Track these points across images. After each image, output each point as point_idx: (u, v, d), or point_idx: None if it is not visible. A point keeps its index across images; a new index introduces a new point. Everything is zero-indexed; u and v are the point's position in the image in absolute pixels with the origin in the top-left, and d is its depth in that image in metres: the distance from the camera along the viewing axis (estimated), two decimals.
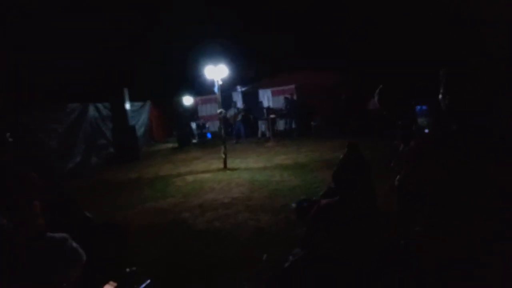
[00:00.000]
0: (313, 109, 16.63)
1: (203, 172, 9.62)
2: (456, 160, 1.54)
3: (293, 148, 12.43)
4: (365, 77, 15.79)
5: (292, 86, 17.46)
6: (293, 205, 5.29)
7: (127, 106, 12.72)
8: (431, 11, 16.24)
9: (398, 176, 1.93)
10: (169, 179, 9.03)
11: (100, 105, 13.07)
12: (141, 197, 7.52)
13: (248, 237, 4.86)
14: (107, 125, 13.24)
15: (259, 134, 16.88)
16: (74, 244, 2.60)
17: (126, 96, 12.67)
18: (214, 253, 4.47)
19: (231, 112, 16.16)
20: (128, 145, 12.41)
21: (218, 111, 10.36)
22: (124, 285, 3.00)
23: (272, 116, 16.23)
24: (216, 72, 9.80)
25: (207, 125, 17.37)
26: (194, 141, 16.48)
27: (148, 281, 3.27)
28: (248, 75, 20.34)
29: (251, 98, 18.52)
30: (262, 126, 16.95)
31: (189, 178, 9.00)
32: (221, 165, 9.86)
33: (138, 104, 16.82)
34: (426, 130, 3.28)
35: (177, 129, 16.58)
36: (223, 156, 9.86)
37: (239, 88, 19.39)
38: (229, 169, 9.57)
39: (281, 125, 17.85)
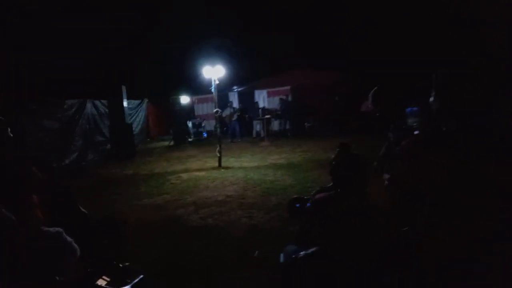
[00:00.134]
0: (308, 110, 16.76)
1: (198, 170, 9.69)
2: (456, 160, 1.54)
3: (287, 148, 12.53)
4: (358, 78, 15.89)
5: (287, 87, 17.64)
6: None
7: (125, 103, 12.78)
8: (431, 11, 16.24)
9: (388, 176, 1.92)
10: (165, 177, 9.10)
11: (97, 102, 13.11)
12: (137, 194, 7.60)
13: (241, 235, 4.95)
14: (104, 122, 13.29)
15: (254, 134, 17.00)
16: (68, 239, 2.65)
17: (124, 94, 12.74)
18: (208, 250, 4.58)
19: (227, 111, 16.23)
20: (124, 142, 12.47)
21: (215, 110, 10.41)
22: (117, 280, 3.03)
23: (267, 116, 16.38)
24: (213, 72, 9.88)
25: (203, 124, 17.41)
26: (190, 139, 16.54)
27: (141, 276, 3.31)
28: (245, 75, 20.38)
29: (247, 98, 18.64)
30: (257, 126, 17.07)
31: (184, 175, 9.06)
32: (216, 164, 9.94)
33: (135, 102, 16.86)
34: (416, 132, 3.34)
35: (174, 128, 16.64)
36: (218, 154, 9.94)
37: (235, 88, 19.45)
38: (223, 168, 9.65)
39: (275, 125, 18.02)
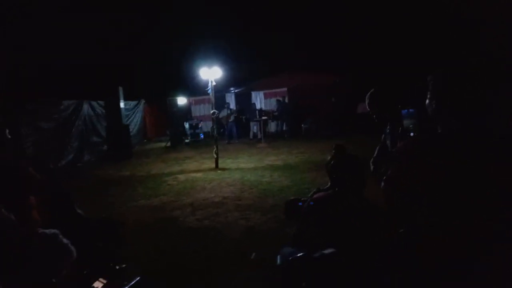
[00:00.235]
0: (304, 111, 16.81)
1: (194, 171, 9.69)
2: (456, 160, 1.54)
3: (284, 149, 12.55)
4: (355, 80, 15.96)
5: (284, 89, 17.68)
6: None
7: (122, 104, 12.77)
8: (429, 11, 16.26)
9: (384, 177, 1.92)
10: (161, 178, 9.09)
11: (94, 103, 13.08)
12: (133, 195, 7.59)
13: (238, 236, 4.96)
14: (101, 123, 13.27)
15: (251, 135, 17.01)
16: (65, 240, 2.64)
17: (121, 95, 12.72)
18: (205, 251, 4.58)
19: (224, 113, 16.23)
20: (121, 143, 12.45)
21: (211, 111, 10.42)
22: (114, 282, 3.03)
23: (264, 117, 16.38)
24: (210, 73, 9.89)
25: (200, 125, 17.40)
26: (187, 140, 16.52)
27: (138, 278, 3.31)
28: (242, 76, 20.41)
29: (244, 100, 18.67)
30: (254, 127, 17.09)
31: (181, 177, 9.06)
32: (213, 165, 9.94)
33: (132, 103, 16.84)
34: (412, 134, 3.36)
35: (170, 129, 16.62)
36: (214, 156, 9.94)
37: (232, 90, 19.47)
38: (220, 169, 9.65)
39: (272, 126, 18.05)
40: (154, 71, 21.82)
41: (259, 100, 18.60)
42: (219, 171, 9.47)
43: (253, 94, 18.85)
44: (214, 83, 9.99)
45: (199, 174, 9.25)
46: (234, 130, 16.16)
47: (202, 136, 17.31)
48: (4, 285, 1.94)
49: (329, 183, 3.09)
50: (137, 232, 5.28)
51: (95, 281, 2.89)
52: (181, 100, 18.01)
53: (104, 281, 2.92)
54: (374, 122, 3.59)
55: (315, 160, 9.78)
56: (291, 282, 2.58)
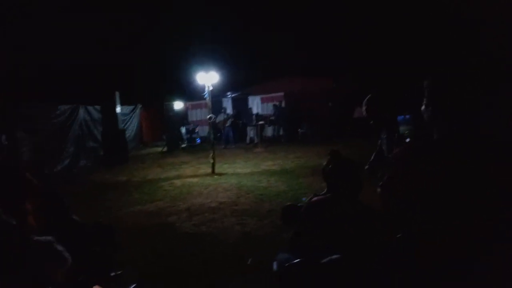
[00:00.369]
0: (301, 116, 16.85)
1: (191, 176, 9.67)
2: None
3: (281, 154, 12.55)
4: (352, 84, 16.01)
5: (281, 94, 17.69)
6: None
7: (118, 109, 12.74)
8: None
9: (381, 182, 1.93)
10: (158, 183, 9.06)
11: (90, 108, 13.05)
12: (130, 201, 7.56)
13: (235, 241, 4.94)
14: (97, 128, 13.24)
15: (248, 140, 17.01)
16: (59, 247, 2.61)
17: (117, 100, 12.69)
18: (200, 255, 4.57)
19: (221, 117, 16.23)
20: (117, 148, 12.41)
21: (208, 116, 10.41)
22: None
23: (260, 122, 16.39)
24: (207, 78, 9.90)
25: (196, 130, 17.39)
26: (183, 145, 16.50)
27: (135, 284, 3.28)
28: (239, 81, 20.46)
29: (240, 104, 18.68)
30: (250, 132, 17.09)
31: (177, 182, 9.03)
32: (209, 170, 9.92)
33: (129, 107, 16.82)
34: (408, 139, 3.38)
35: (167, 133, 16.59)
36: (211, 161, 9.92)
37: (229, 94, 19.49)
38: (217, 174, 9.64)
39: (269, 131, 18.05)
40: (151, 75, 21.82)
41: (255, 104, 18.62)
42: (215, 176, 9.45)
43: (250, 98, 18.88)
44: (211, 88, 10.00)
45: (195, 179, 9.22)
46: (231, 134, 16.16)
47: (198, 141, 17.29)
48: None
49: (325, 189, 3.09)
50: (134, 237, 5.26)
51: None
52: (178, 105, 18.03)
53: None
54: (371, 127, 3.61)
55: (312, 165, 9.78)
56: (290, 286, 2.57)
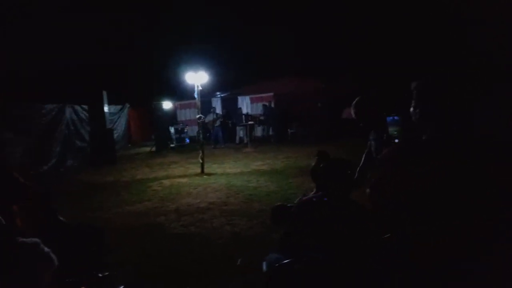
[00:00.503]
0: (291, 116, 16.89)
1: (180, 176, 9.61)
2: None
3: (270, 154, 12.56)
4: (341, 85, 16.08)
5: (271, 94, 17.71)
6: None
7: (106, 109, 12.60)
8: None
9: (370, 184, 1.93)
10: (146, 183, 8.99)
11: (78, 107, 12.90)
12: (118, 201, 7.49)
13: (224, 242, 4.93)
14: (84, 127, 13.09)
15: (237, 140, 17.00)
16: (46, 249, 2.58)
17: (105, 99, 12.55)
18: (189, 255, 4.53)
19: (210, 117, 16.18)
20: (105, 148, 12.28)
21: (197, 116, 10.37)
22: None
23: (250, 122, 16.38)
24: (196, 78, 9.86)
25: (185, 130, 17.31)
26: (172, 145, 16.40)
27: (122, 286, 3.26)
28: (228, 81, 20.42)
29: (230, 104, 18.63)
30: (240, 132, 17.07)
31: (166, 182, 8.97)
32: (199, 170, 9.88)
33: (117, 107, 16.65)
34: (396, 140, 3.40)
35: (156, 133, 16.47)
36: (200, 161, 9.89)
37: (218, 94, 19.44)
38: (206, 174, 9.60)
39: (259, 131, 18.08)
40: (139, 75, 21.65)
41: (245, 104, 18.61)
42: (205, 176, 9.41)
43: (240, 98, 18.86)
44: (200, 88, 9.96)
45: (184, 180, 9.18)
46: (220, 134, 16.12)
47: (187, 141, 17.20)
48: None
49: (314, 189, 3.10)
50: (122, 238, 5.20)
51: None
52: (167, 104, 17.92)
53: None
54: (360, 128, 3.62)
55: (302, 165, 9.80)
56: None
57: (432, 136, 1.66)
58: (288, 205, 3.44)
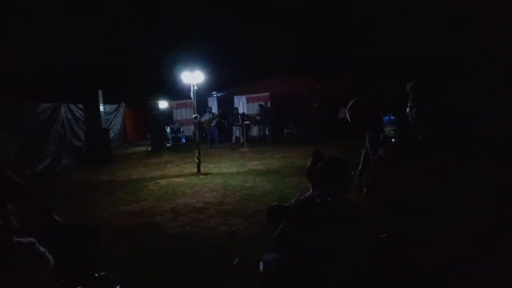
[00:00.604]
0: (287, 116, 16.92)
1: (176, 176, 9.59)
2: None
3: (267, 154, 12.57)
4: (337, 85, 16.11)
5: (267, 94, 17.71)
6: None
7: (101, 108, 12.56)
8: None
9: (366, 183, 1.93)
10: (142, 183, 8.97)
11: (73, 106, 12.85)
12: (114, 200, 7.46)
13: (220, 242, 4.92)
14: (80, 126, 13.06)
15: (233, 140, 17.00)
16: (42, 249, 2.56)
17: (100, 98, 12.50)
18: (186, 254, 4.52)
19: (206, 117, 16.17)
20: (100, 147, 12.24)
21: (193, 116, 10.35)
22: None
23: (246, 122, 16.38)
24: (192, 77, 9.84)
25: (181, 129, 17.28)
26: (168, 145, 16.37)
27: (118, 286, 3.25)
28: (224, 81, 20.40)
29: (226, 104, 18.61)
30: (236, 132, 17.08)
31: (162, 182, 8.95)
32: (195, 170, 9.87)
33: (112, 106, 16.60)
34: (393, 140, 3.40)
35: (151, 133, 16.43)
36: (196, 160, 9.87)
37: (214, 94, 19.42)
38: (202, 174, 9.59)
39: (255, 131, 18.08)
40: (135, 74, 21.58)
41: (241, 104, 18.60)
42: (201, 176, 9.40)
43: (236, 98, 18.84)
44: (196, 87, 9.94)
45: (180, 179, 9.16)
46: (216, 134, 16.11)
47: (183, 141, 17.18)
48: None
49: (311, 189, 3.11)
50: (118, 237, 5.19)
51: None
52: (163, 104, 17.88)
53: None
54: (356, 129, 3.62)
55: (298, 165, 9.82)
56: None
57: (430, 136, 1.66)
58: (285, 205, 3.45)
